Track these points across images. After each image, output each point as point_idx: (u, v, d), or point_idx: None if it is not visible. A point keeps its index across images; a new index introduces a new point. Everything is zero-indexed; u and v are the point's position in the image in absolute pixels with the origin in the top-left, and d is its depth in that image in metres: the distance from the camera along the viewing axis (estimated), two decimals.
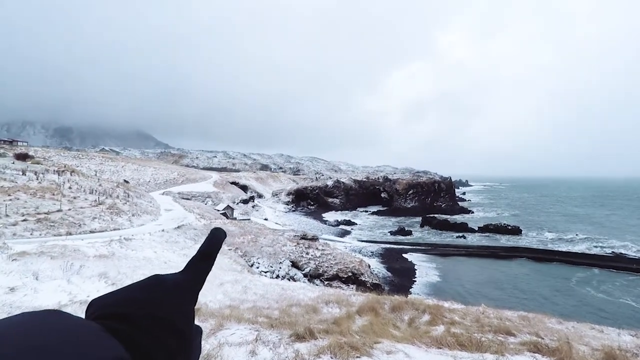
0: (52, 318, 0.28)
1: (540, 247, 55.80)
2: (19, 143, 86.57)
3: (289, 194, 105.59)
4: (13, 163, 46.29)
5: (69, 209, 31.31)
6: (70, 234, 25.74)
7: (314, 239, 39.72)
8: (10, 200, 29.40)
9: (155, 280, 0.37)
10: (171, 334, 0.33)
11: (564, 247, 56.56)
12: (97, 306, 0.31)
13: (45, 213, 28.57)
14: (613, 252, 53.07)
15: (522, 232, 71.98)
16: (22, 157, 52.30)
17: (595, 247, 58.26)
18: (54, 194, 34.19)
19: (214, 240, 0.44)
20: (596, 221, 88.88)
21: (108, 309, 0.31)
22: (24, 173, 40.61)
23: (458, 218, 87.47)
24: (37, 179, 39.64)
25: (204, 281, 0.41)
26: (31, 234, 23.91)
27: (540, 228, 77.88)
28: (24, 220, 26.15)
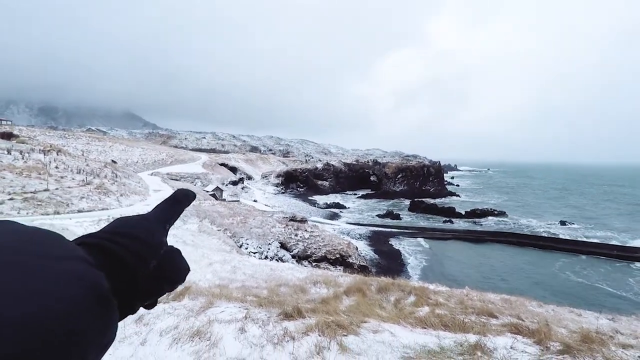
0: (9, 225, 0.29)
1: (526, 233, 57.24)
2: (2, 122, 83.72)
3: (278, 176, 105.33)
4: None
5: (56, 189, 30.80)
6: (58, 213, 25.43)
7: (303, 220, 39.97)
8: None
9: (123, 217, 0.40)
10: (134, 240, 0.34)
11: (549, 233, 58.05)
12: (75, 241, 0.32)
13: (32, 192, 28.09)
14: (598, 239, 54.59)
15: (509, 216, 73.62)
16: (7, 136, 50.90)
17: (580, 233, 59.86)
18: (40, 174, 33.53)
19: (184, 191, 0.49)
20: (581, 207, 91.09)
21: (79, 239, 0.32)
22: (9, 152, 39.58)
23: (446, 202, 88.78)
24: (23, 158, 38.73)
25: (172, 218, 0.44)
26: (18, 213, 23.55)
27: (527, 213, 79.54)
28: (11, 199, 25.69)
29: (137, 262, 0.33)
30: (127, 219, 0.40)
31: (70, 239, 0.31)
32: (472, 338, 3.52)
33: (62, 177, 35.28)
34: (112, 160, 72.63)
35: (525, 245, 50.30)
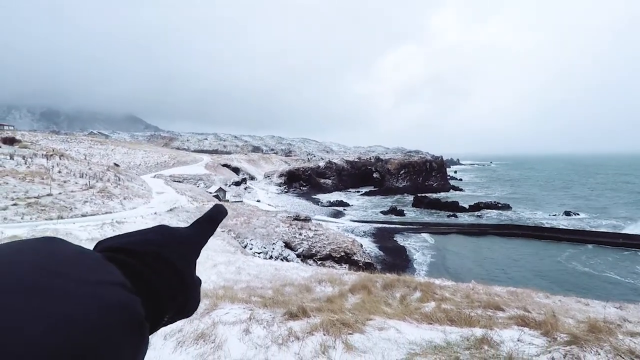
0: (53, 244, 0.29)
1: (530, 224, 56.99)
2: (5, 127, 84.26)
3: (281, 175, 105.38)
4: (0, 147, 45.20)
5: (60, 193, 30.93)
6: (62, 217, 25.53)
7: (307, 219, 39.99)
8: None
9: (165, 228, 0.39)
10: (173, 274, 0.34)
11: (554, 224, 57.77)
12: (103, 244, 0.33)
13: (35, 197, 28.22)
14: (604, 228, 54.24)
15: (513, 209, 73.36)
16: (9, 141, 51.13)
17: (585, 223, 59.56)
18: (43, 178, 33.69)
19: (220, 208, 0.49)
20: (585, 197, 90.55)
21: (114, 245, 0.33)
22: (11, 157, 39.78)
23: (449, 196, 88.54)
24: (26, 164, 38.94)
25: (207, 240, 0.44)
26: (22, 218, 23.67)
27: (531, 205, 79.25)
28: (14, 204, 25.83)
29: (166, 289, 0.33)
30: (170, 235, 0.39)
31: (92, 248, 0.31)
32: (478, 332, 3.48)
33: (65, 182, 35.43)
34: (115, 164, 72.90)
35: (531, 237, 50.12)
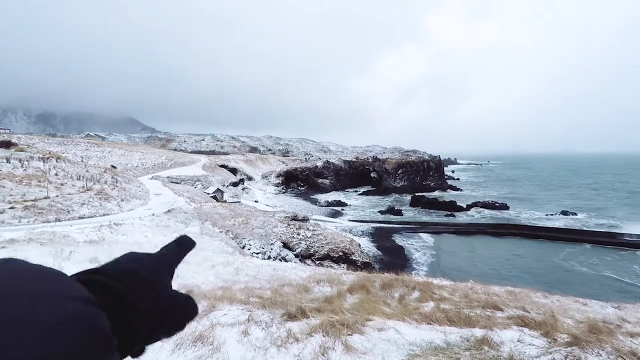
0: (13, 263, 0.29)
1: (528, 224, 57.16)
2: (0, 131, 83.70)
3: (278, 175, 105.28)
4: None
5: (57, 196, 30.78)
6: (59, 220, 25.40)
7: (305, 219, 39.94)
8: None
9: (135, 252, 0.40)
10: (145, 286, 0.34)
11: (550, 224, 57.94)
12: (79, 273, 0.32)
13: (32, 200, 28.07)
14: (602, 227, 54.45)
15: (510, 208, 73.59)
16: (5, 144, 50.88)
17: (583, 222, 59.79)
18: (40, 181, 33.51)
19: (186, 238, 0.50)
20: (583, 197, 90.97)
21: (89, 270, 0.33)
22: (8, 161, 39.60)
23: (447, 196, 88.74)
24: (22, 167, 38.77)
25: (178, 262, 0.45)
26: (19, 222, 23.54)
27: (528, 204, 79.56)
28: (11, 207, 25.68)
29: (138, 301, 0.32)
30: (135, 255, 0.39)
31: (69, 273, 0.30)
32: (478, 332, 3.47)
33: (62, 184, 35.24)
34: (112, 166, 72.64)
35: (528, 237, 50.28)
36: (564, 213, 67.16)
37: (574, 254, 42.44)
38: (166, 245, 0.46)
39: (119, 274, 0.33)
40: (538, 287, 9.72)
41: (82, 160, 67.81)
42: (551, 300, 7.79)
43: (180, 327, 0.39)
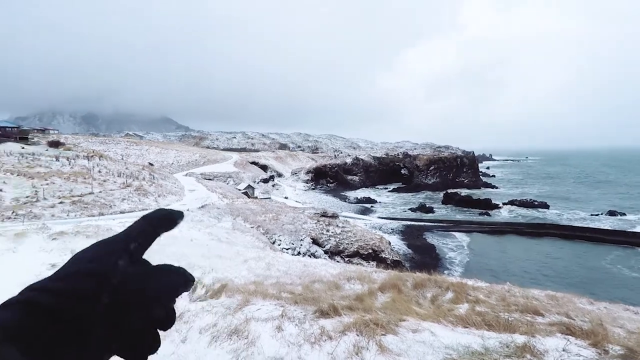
0: None
1: (570, 224, 54.00)
2: (50, 131, 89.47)
3: (308, 172, 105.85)
4: (47, 150, 48.29)
5: (100, 192, 32.61)
6: (102, 214, 26.91)
7: (334, 216, 39.93)
8: (47, 184, 30.91)
9: (77, 253, 0.37)
10: (76, 282, 0.31)
11: (595, 225, 54.26)
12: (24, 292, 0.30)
13: (78, 196, 29.91)
14: None
15: (551, 207, 69.91)
16: (55, 144, 54.49)
17: (633, 224, 55.46)
18: (85, 178, 35.64)
19: (159, 213, 0.44)
20: (632, 196, 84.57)
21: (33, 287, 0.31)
22: (57, 159, 42.41)
23: (482, 194, 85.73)
24: (69, 165, 41.38)
25: (140, 237, 0.39)
26: (67, 215, 25.17)
27: (570, 204, 75.14)
28: (61, 202, 27.49)
29: (77, 307, 0.29)
30: (77, 253, 0.36)
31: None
32: (519, 339, 3.32)
33: (104, 181, 37.29)
34: (149, 163, 75.88)
35: (571, 238, 47.42)
36: (611, 213, 62.72)
37: (622, 258, 39.52)
38: (133, 223, 0.42)
39: (51, 282, 0.31)
40: (582, 292, 9.18)
41: (122, 158, 71.34)
42: (597, 307, 7.34)
43: (165, 300, 0.36)
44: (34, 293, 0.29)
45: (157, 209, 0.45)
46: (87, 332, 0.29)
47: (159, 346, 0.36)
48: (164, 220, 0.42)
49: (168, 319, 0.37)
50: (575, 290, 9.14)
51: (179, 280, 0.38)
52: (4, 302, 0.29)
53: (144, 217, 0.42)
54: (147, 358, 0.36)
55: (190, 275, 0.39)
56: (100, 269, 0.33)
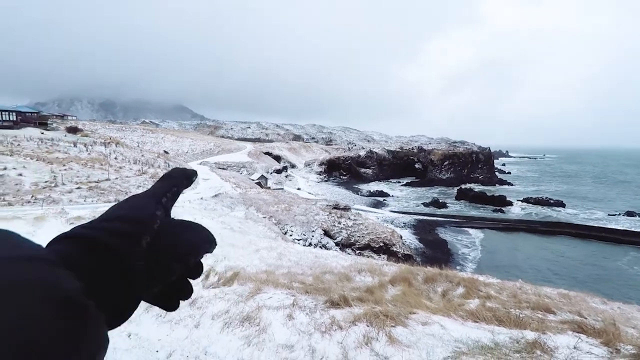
0: None
1: (585, 224, 52.78)
2: (69, 117, 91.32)
3: (321, 164, 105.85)
4: (65, 136, 49.46)
5: (116, 178, 33.32)
6: (118, 200, 27.52)
7: (346, 208, 39.95)
8: (65, 170, 31.70)
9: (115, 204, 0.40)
10: (121, 222, 0.34)
11: (612, 225, 52.89)
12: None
13: (95, 182, 30.62)
14: None
15: (567, 206, 68.41)
16: (73, 130, 55.64)
17: None
18: (102, 164, 36.44)
19: (179, 169, 0.49)
20: None
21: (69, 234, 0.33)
22: (75, 145, 43.42)
23: (496, 190, 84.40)
24: (87, 151, 42.32)
25: (167, 193, 0.43)
26: (84, 201, 25.81)
27: (587, 203, 73.38)
28: (78, 188, 28.20)
29: (124, 243, 0.31)
30: (116, 204, 0.39)
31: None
32: (529, 335, 3.32)
33: (120, 167, 38.07)
34: (165, 151, 77.07)
35: (586, 237, 46.49)
36: (630, 214, 60.96)
37: (639, 259, 38.67)
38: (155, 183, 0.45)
39: (97, 222, 0.33)
40: (595, 292, 9.02)
41: (138, 146, 72.61)
42: (611, 307, 7.23)
43: (193, 252, 0.39)
44: (83, 230, 0.32)
45: (173, 168, 0.50)
46: (131, 269, 0.31)
47: (192, 293, 0.41)
48: (183, 177, 0.48)
49: (199, 268, 0.41)
50: (588, 289, 8.99)
51: (207, 235, 0.42)
52: (56, 237, 0.31)
53: (165, 176, 0.46)
54: (179, 304, 0.39)
55: (213, 235, 0.43)
56: (141, 215, 0.36)
